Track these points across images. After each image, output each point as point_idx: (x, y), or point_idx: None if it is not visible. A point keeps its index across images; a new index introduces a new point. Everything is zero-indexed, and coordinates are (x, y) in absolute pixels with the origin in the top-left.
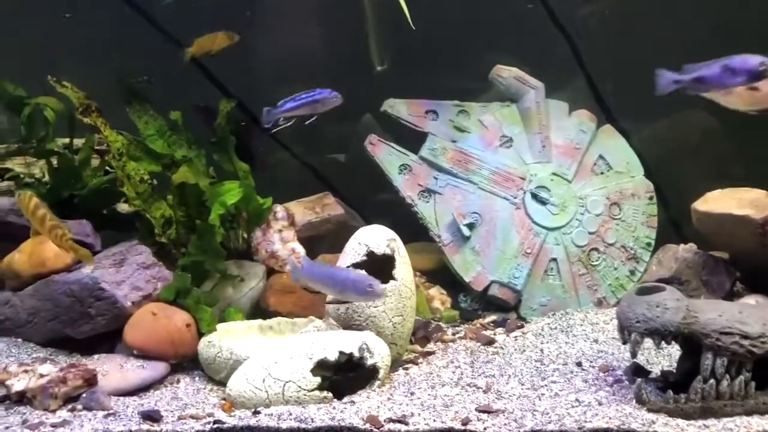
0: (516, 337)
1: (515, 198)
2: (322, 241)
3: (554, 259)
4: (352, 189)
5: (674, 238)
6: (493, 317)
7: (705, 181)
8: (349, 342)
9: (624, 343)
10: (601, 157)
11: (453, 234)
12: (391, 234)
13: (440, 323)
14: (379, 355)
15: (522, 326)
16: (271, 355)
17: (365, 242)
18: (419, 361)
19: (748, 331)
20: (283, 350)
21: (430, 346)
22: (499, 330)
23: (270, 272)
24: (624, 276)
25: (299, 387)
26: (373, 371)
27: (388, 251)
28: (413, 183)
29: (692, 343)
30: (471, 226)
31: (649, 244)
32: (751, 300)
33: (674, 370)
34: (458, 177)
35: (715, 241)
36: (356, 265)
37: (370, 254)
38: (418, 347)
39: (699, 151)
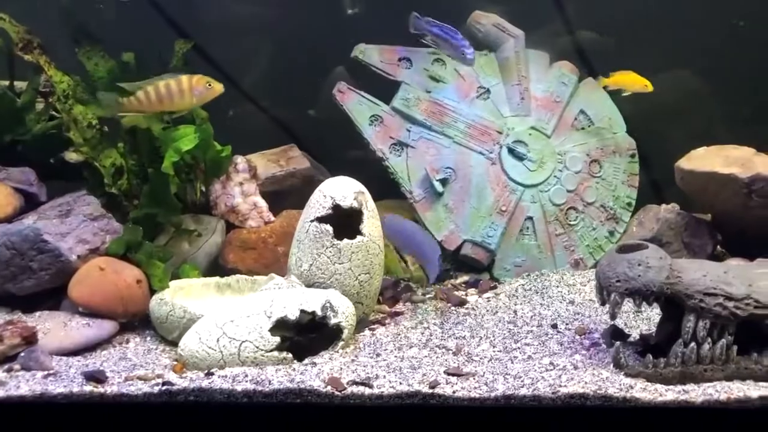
0: (489, 298)
1: (491, 153)
2: (287, 196)
3: (530, 218)
4: (322, 144)
5: (656, 199)
6: (465, 278)
7: (689, 140)
8: (312, 300)
9: (602, 304)
10: (582, 111)
11: (425, 190)
12: (358, 186)
13: (410, 283)
14: (344, 314)
15: (495, 287)
16: (227, 313)
17: (330, 194)
18: (387, 321)
19: (733, 292)
20: (240, 308)
21: (399, 307)
22: (472, 291)
23: (230, 227)
24: (603, 237)
25: (256, 347)
26: (337, 331)
27: (356, 204)
28: (384, 135)
29: (674, 304)
30: (444, 182)
31: (629, 204)
32: (733, 262)
33: (654, 334)
34: (432, 130)
35: (699, 202)
36: (321, 219)
37: (336, 207)
38: (386, 307)
39: (684, 111)
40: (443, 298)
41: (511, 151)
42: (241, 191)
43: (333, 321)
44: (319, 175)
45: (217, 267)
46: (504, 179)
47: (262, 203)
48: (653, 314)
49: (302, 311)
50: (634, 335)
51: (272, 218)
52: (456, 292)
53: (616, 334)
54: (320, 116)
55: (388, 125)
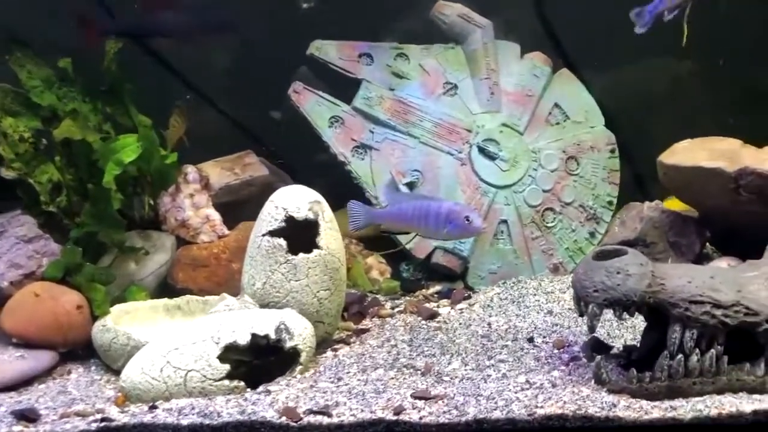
0: (462, 309)
1: (460, 153)
2: (244, 206)
3: (504, 221)
4: (287, 149)
5: (638, 196)
6: (437, 287)
7: (673, 133)
8: (264, 322)
9: (581, 315)
10: (556, 105)
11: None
12: (313, 195)
13: (379, 296)
14: (301, 336)
15: (469, 297)
16: (172, 339)
17: (283, 205)
18: (352, 340)
19: (721, 299)
20: (185, 334)
21: (366, 323)
22: (444, 302)
23: (181, 243)
24: (583, 239)
25: (204, 376)
26: (294, 355)
27: (311, 216)
28: (346, 137)
29: (658, 313)
30: (411, 186)
31: (610, 203)
32: (722, 263)
33: (638, 345)
34: (397, 130)
35: (684, 198)
36: (273, 233)
37: (289, 219)
38: (351, 324)
39: (666, 101)
40: (413, 311)
41: (481, 150)
42: (192, 203)
43: (289, 344)
44: (279, 183)
45: (168, 287)
46: (475, 180)
47: (215, 216)
48: (638, 321)
49: (254, 335)
50: (617, 347)
51: (226, 232)
52: (427, 304)
53: (597, 346)
54: (284, 119)
55: (350, 127)
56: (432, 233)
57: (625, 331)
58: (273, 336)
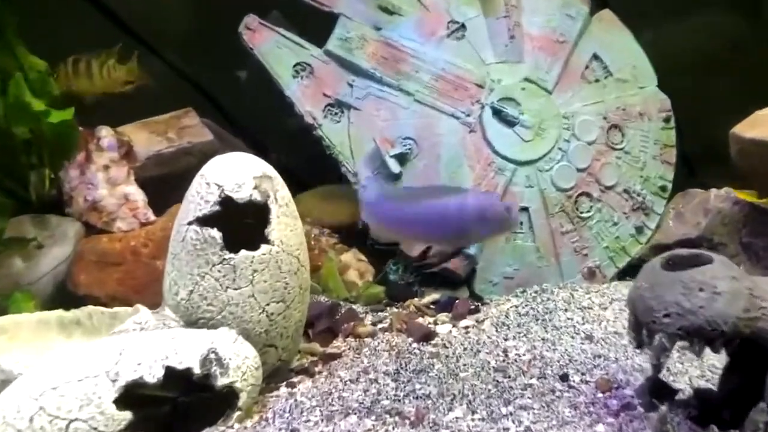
0: (467, 328)
1: (468, 116)
2: (181, 183)
3: (525, 209)
4: (249, 113)
5: (688, 182)
6: (434, 296)
7: (736, 101)
8: (187, 349)
9: (639, 347)
10: (596, 57)
11: (376, 170)
12: (261, 167)
13: (356, 306)
14: (239, 369)
15: (477, 310)
16: (51, 374)
17: (217, 181)
18: (317, 369)
19: None
20: (70, 366)
21: (337, 345)
22: (443, 316)
23: (92, 233)
24: (628, 235)
25: (93, 428)
26: (230, 395)
27: (257, 196)
28: (316, 92)
29: (748, 348)
30: (402, 159)
31: (663, 189)
32: None
33: (714, 388)
34: (384, 83)
35: (766, 186)
36: (204, 220)
37: (226, 201)
38: (316, 347)
39: (724, 64)
40: (401, 329)
41: (496, 112)
42: (107, 178)
43: (221, 381)
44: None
45: (67, 294)
46: (487, 153)
47: (138, 195)
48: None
49: (169, 369)
50: (685, 390)
51: (152, 217)
52: (420, 319)
53: (657, 389)
54: (251, 79)
55: (321, 77)
56: (456, 239)
57: (689, 365)
58: (197, 370)
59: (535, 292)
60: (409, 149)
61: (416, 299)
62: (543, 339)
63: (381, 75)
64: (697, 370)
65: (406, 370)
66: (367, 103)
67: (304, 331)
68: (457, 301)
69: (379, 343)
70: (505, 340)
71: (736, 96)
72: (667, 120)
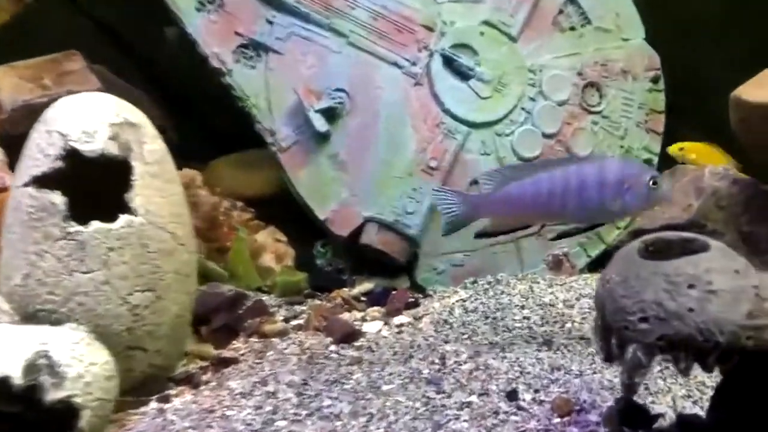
0: (401, 326)
1: (414, 65)
2: None
3: (478, 182)
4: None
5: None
6: (367, 285)
7: (736, 65)
8: (7, 352)
9: (608, 360)
10: (572, 0)
11: (298, 129)
12: (121, 110)
13: (269, 297)
14: (81, 379)
15: (416, 304)
16: None
17: (60, 129)
18: (203, 378)
19: None
20: None
21: (237, 346)
22: (375, 311)
23: None
24: None
25: None
26: (70, 413)
27: (114, 149)
28: (225, 29)
29: (750, 362)
30: (332, 115)
31: (648, 162)
32: None
33: (705, 412)
34: (311, 21)
35: None
36: (42, 181)
37: (72, 155)
38: (209, 349)
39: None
40: (319, 328)
41: (448, 62)
42: None
43: (54, 394)
44: None
45: None
46: (435, 112)
47: None
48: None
49: None
50: (666, 414)
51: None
52: (347, 315)
53: (631, 415)
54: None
55: (233, 12)
56: (589, 214)
57: (673, 381)
58: (19, 380)
59: (488, 283)
60: (340, 103)
61: (345, 289)
62: (491, 343)
63: (308, 11)
64: (682, 389)
65: (316, 380)
66: (290, 45)
67: (195, 328)
68: (393, 293)
69: (288, 345)
70: (445, 342)
71: (742, 56)
72: (655, 80)
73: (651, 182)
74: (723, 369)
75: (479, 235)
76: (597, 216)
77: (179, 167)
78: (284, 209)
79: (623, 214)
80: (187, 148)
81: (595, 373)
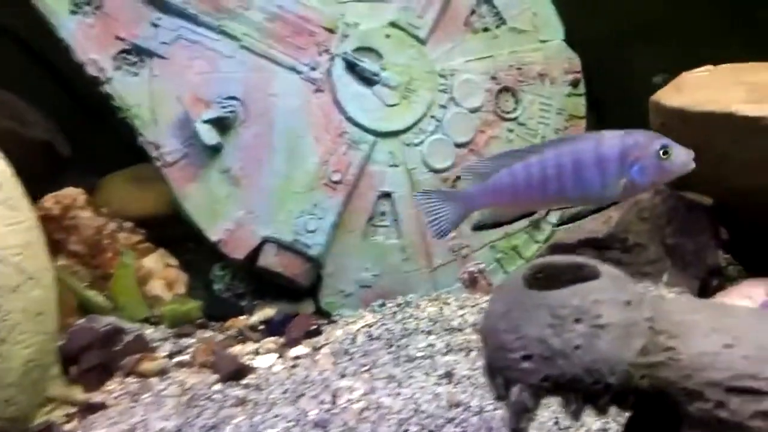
0: (298, 358)
1: (314, 69)
2: None
3: (387, 195)
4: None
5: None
6: (268, 312)
7: (665, 65)
8: None
9: (499, 399)
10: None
11: (186, 142)
12: None
13: (153, 329)
14: None
15: (317, 332)
16: None
17: None
18: (66, 429)
19: None
20: None
21: (111, 388)
22: (271, 342)
23: None
24: (521, 231)
25: None
26: None
27: None
28: (104, 33)
29: (658, 402)
30: (223, 125)
31: None
32: (755, 290)
33: None
34: (201, 23)
35: (694, 171)
36: None
37: None
38: (76, 393)
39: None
40: (205, 364)
41: (351, 66)
42: None
43: None
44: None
45: None
46: (338, 121)
47: None
48: None
49: None
50: None
51: None
52: (239, 347)
53: None
54: None
55: (113, 14)
56: (596, 194)
57: (587, 413)
58: None
59: (398, 305)
60: (232, 112)
61: (243, 317)
62: (389, 376)
63: (197, 12)
64: (597, 422)
65: (192, 426)
66: (177, 49)
67: (65, 368)
68: (293, 319)
69: (168, 386)
70: (342, 377)
71: (672, 57)
72: (575, 84)
73: (661, 151)
74: (625, 408)
75: (478, 227)
76: (603, 197)
77: (75, 184)
78: (182, 229)
79: (637, 192)
80: (105, 160)
81: (496, 409)
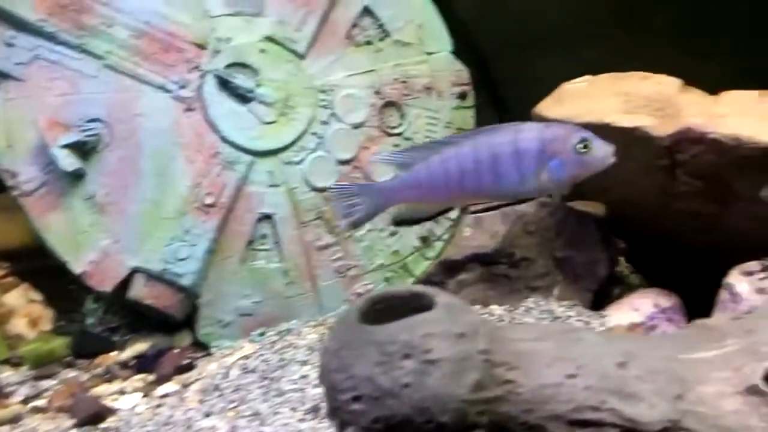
0: (165, 397)
1: (183, 87)
2: None
3: (268, 217)
4: None
5: None
6: (141, 346)
7: (566, 72)
8: None
9: None
10: (367, 10)
11: (46, 168)
12: None
13: (13, 372)
14: None
15: (189, 367)
16: None
17: None
18: None
19: (641, 416)
20: None
21: None
22: (139, 379)
23: None
24: (410, 248)
25: None
26: None
27: None
28: None
29: None
30: (84, 150)
31: None
32: (644, 301)
33: None
34: (60, 42)
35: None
36: None
37: None
38: None
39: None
40: (63, 407)
41: (224, 84)
42: None
43: None
44: None
45: None
46: (211, 141)
47: None
48: None
49: None
50: None
51: None
52: (102, 388)
53: None
54: None
55: None
56: (514, 189)
57: None
58: None
59: (278, 333)
60: (95, 135)
61: (114, 353)
62: (254, 413)
63: (55, 30)
64: None
65: None
66: (34, 70)
67: None
68: (166, 354)
69: None
70: (206, 416)
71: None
72: (462, 96)
73: (581, 145)
74: None
75: (397, 223)
76: (521, 192)
77: None
78: (51, 261)
79: (556, 187)
80: None
81: None
